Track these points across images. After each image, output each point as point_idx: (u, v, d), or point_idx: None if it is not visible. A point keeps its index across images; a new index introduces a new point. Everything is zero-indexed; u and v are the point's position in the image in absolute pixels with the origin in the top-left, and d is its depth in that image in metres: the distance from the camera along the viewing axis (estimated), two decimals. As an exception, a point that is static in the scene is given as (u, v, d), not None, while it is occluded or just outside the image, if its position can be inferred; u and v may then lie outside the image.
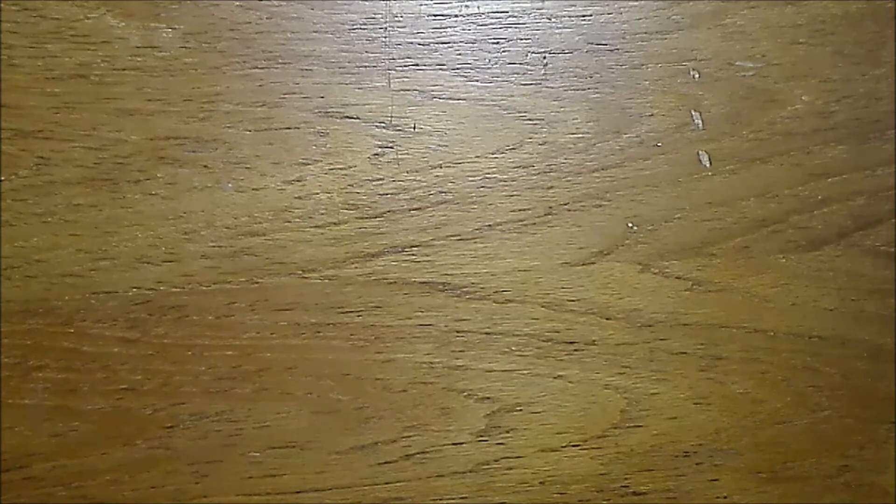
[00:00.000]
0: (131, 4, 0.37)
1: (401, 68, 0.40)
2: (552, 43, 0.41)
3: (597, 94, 0.41)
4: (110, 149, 0.38)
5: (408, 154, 0.40)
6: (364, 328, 0.40)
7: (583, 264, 0.42)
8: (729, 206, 0.42)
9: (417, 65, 0.40)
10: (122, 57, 0.38)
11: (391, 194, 0.40)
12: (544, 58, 0.41)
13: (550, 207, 0.41)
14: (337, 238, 0.40)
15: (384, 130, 0.40)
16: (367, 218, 0.40)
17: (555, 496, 0.42)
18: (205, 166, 0.38)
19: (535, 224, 0.41)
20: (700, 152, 0.42)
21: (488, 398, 0.41)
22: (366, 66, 0.39)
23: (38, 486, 0.38)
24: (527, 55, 0.41)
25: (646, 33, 0.41)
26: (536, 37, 0.41)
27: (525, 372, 0.41)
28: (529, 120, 0.41)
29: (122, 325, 0.38)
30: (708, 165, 0.42)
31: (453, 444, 0.41)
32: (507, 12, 0.40)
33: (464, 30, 0.40)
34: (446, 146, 0.40)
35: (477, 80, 0.40)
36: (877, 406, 0.44)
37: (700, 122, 0.42)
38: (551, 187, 0.41)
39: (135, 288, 0.38)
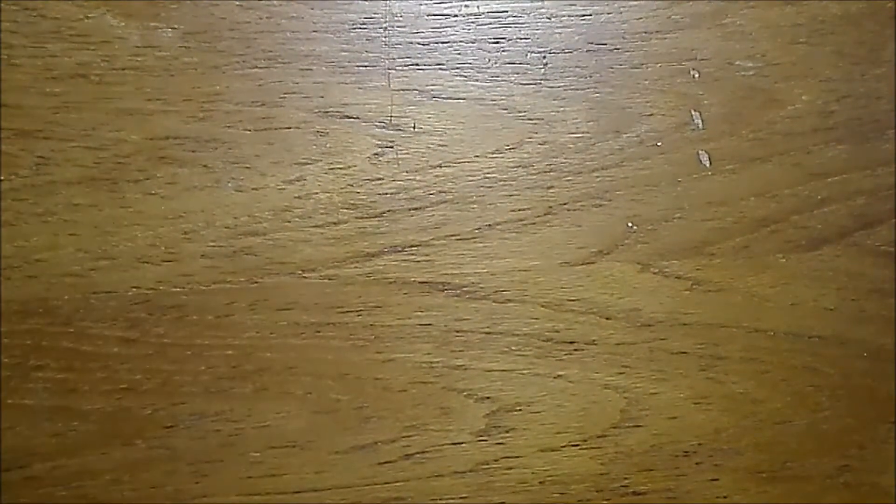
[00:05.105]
0: (131, 4, 0.37)
1: (400, 68, 0.40)
2: (552, 42, 0.41)
3: (597, 93, 0.41)
4: (110, 148, 0.38)
5: (407, 154, 0.40)
6: (364, 328, 0.40)
7: (583, 264, 0.42)
8: (729, 205, 0.42)
9: (417, 64, 0.40)
10: (122, 57, 0.38)
11: (391, 194, 0.40)
12: (544, 57, 0.41)
13: (550, 207, 0.41)
14: (337, 238, 0.40)
15: (384, 130, 0.40)
16: (366, 218, 0.40)
17: (554, 496, 0.42)
18: (204, 166, 0.38)
19: (534, 224, 0.41)
20: (700, 152, 0.42)
21: (488, 398, 0.41)
22: (365, 66, 0.39)
23: (38, 485, 0.38)
24: (526, 55, 0.41)
25: (646, 33, 0.41)
26: (536, 36, 0.41)
27: (525, 372, 0.41)
28: (529, 119, 0.41)
29: (121, 325, 0.38)
30: (708, 165, 0.42)
31: (453, 443, 0.41)
32: (507, 12, 0.40)
33: (463, 29, 0.40)
34: (446, 146, 0.40)
35: (477, 80, 0.40)
36: (877, 406, 0.44)
37: (700, 121, 0.42)
38: (551, 187, 0.41)
39: (134, 288, 0.38)
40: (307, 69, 0.39)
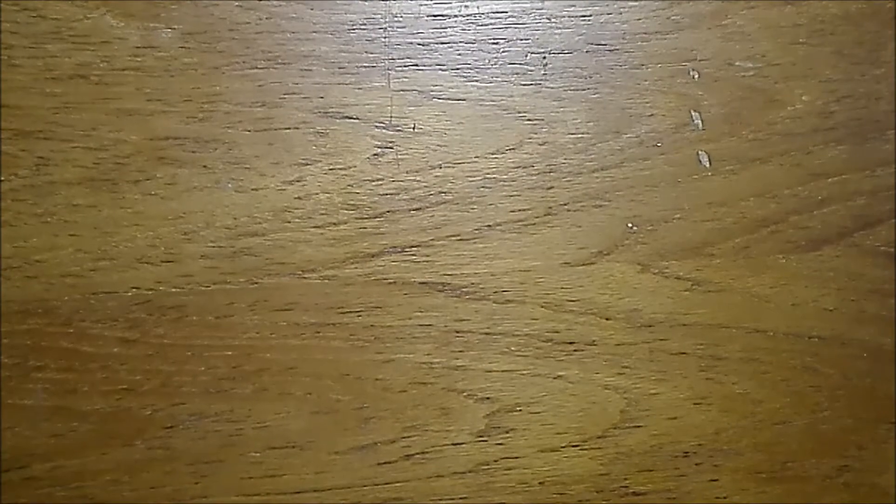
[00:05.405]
0: (131, 4, 0.37)
1: (400, 68, 0.40)
2: (552, 43, 0.41)
3: (596, 94, 0.41)
4: (110, 149, 0.38)
5: (407, 154, 0.40)
6: (364, 328, 0.40)
7: (583, 264, 0.42)
8: (728, 206, 0.42)
9: (417, 65, 0.40)
10: (122, 57, 0.38)
11: (391, 194, 0.40)
12: (544, 58, 0.41)
13: (550, 207, 0.41)
14: (336, 238, 0.40)
15: (384, 131, 0.40)
16: (366, 218, 0.40)
17: (554, 496, 0.42)
18: (204, 166, 0.38)
19: (534, 224, 0.41)
20: (700, 152, 0.42)
21: (488, 398, 0.41)
22: (365, 67, 0.39)
23: (37, 486, 0.38)
24: (526, 55, 0.41)
25: (645, 33, 0.41)
26: (536, 37, 0.41)
27: (525, 372, 0.41)
28: (529, 120, 0.41)
29: (121, 326, 0.38)
30: (707, 165, 0.42)
31: (453, 444, 0.41)
32: (507, 12, 0.40)
33: (463, 30, 0.40)
34: (446, 146, 0.40)
35: (476, 81, 0.40)
36: (877, 406, 0.44)
37: (700, 122, 0.42)
38: (551, 187, 0.41)
39: (134, 288, 0.38)
40: (307, 70, 0.39)
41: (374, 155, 0.40)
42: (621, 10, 0.41)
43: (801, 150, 0.43)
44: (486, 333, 0.41)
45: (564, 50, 0.41)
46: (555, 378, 0.42)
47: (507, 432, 0.41)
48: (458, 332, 0.41)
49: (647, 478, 0.42)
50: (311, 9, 0.39)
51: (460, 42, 0.40)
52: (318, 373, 0.40)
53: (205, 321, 0.39)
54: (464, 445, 0.41)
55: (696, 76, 0.42)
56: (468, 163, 0.40)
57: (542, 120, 0.41)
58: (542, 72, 0.41)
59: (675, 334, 0.42)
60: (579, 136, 0.41)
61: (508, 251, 0.41)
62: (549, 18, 0.41)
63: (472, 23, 0.40)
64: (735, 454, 0.43)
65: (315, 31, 0.39)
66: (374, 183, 0.40)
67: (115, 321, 0.38)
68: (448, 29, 0.40)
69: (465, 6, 0.40)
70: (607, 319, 0.42)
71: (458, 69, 0.40)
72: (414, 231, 0.40)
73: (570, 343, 0.42)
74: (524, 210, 0.41)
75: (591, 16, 0.41)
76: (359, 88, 0.39)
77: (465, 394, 0.41)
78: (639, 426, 0.42)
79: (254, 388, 0.39)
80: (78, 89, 0.37)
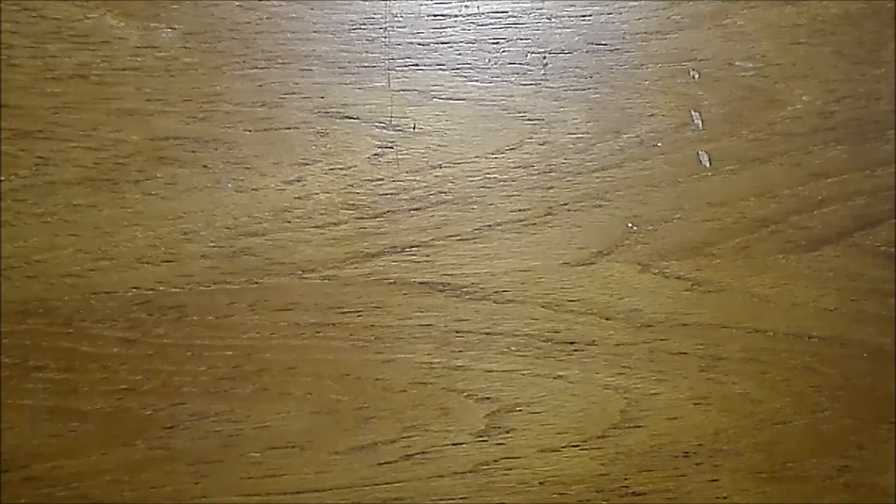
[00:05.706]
0: (131, 4, 0.37)
1: (400, 68, 0.40)
2: (552, 43, 0.41)
3: (597, 94, 0.41)
4: (110, 149, 0.38)
5: (407, 154, 0.40)
6: (364, 328, 0.40)
7: (583, 264, 0.42)
8: (729, 206, 0.42)
9: (417, 65, 0.40)
10: (122, 57, 0.38)
11: (391, 194, 0.40)
12: (544, 58, 0.41)
13: (550, 207, 0.41)
14: (336, 238, 0.40)
15: (384, 130, 0.40)
16: (366, 218, 0.40)
17: (554, 496, 0.42)
18: (204, 166, 0.38)
19: (534, 224, 0.41)
20: (700, 152, 0.42)
21: (488, 398, 0.41)
22: (365, 67, 0.39)
23: (37, 486, 0.38)
24: (526, 55, 0.41)
25: (646, 33, 0.41)
26: (536, 37, 0.41)
27: (525, 372, 0.41)
28: (529, 120, 0.41)
29: (121, 326, 0.38)
30: (708, 165, 0.42)
31: (453, 444, 0.41)
32: (507, 12, 0.40)
33: (463, 30, 0.40)
34: (446, 146, 0.40)
35: (477, 81, 0.40)
36: (877, 406, 0.44)
37: (700, 122, 0.42)
38: (551, 187, 0.41)
39: (134, 288, 0.38)
40: (307, 69, 0.39)
41: (374, 155, 0.40)
42: (621, 10, 0.41)
43: (801, 150, 0.43)
44: (486, 333, 0.41)
45: (564, 50, 0.41)
46: (555, 378, 0.42)
47: (507, 432, 0.41)
48: (458, 332, 0.41)
49: (647, 478, 0.42)
50: (311, 9, 0.39)
51: (460, 42, 0.40)
52: (318, 373, 0.40)
53: (205, 321, 0.39)
54: (464, 445, 0.41)
55: (696, 76, 0.42)
56: (468, 163, 0.40)
57: (542, 120, 0.41)
58: (542, 72, 0.41)
59: (675, 334, 0.42)
60: (579, 136, 0.41)
61: (508, 251, 0.41)
62: (549, 18, 0.41)
63: (472, 23, 0.40)
64: (735, 454, 0.43)
65: (315, 31, 0.39)
66: (374, 183, 0.40)
67: (115, 321, 0.38)
68: (448, 29, 0.40)
69: (465, 6, 0.40)
70: (607, 319, 0.42)
71: (458, 69, 0.40)
72: (414, 231, 0.40)
73: (570, 343, 0.42)
74: (524, 210, 0.41)
75: (591, 16, 0.41)
76: (359, 88, 0.39)
77: (465, 394, 0.41)
78: (639, 426, 0.42)
79: (254, 388, 0.39)
80: (78, 89, 0.37)
